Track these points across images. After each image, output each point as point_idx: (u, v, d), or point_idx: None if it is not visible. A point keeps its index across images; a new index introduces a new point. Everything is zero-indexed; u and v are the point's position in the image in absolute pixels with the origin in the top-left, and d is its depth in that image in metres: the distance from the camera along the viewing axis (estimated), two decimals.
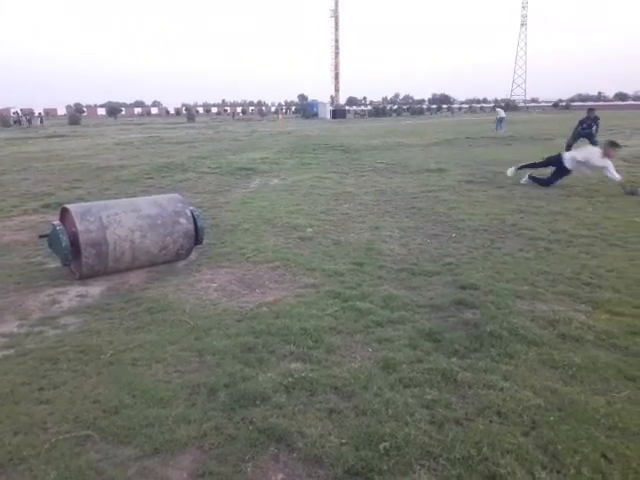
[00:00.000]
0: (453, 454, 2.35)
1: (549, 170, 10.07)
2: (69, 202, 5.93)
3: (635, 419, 2.59)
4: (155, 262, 5.25)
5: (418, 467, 2.29)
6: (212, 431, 2.56)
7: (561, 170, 9.66)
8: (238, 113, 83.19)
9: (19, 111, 52.11)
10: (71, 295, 4.56)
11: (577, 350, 3.34)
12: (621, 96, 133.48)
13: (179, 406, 2.77)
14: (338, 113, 60.54)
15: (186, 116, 59.88)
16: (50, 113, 76.97)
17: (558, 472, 2.25)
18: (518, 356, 3.26)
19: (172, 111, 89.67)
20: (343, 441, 2.46)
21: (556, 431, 2.50)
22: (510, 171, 10.49)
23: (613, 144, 9.29)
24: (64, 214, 5.01)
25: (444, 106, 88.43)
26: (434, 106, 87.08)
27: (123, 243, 4.88)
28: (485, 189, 9.62)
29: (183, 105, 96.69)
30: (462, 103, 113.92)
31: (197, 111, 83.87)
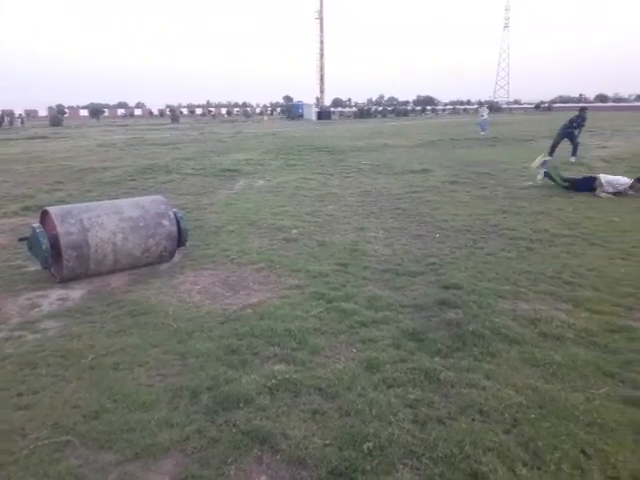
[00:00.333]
0: (436, 453, 2.36)
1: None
2: (50, 204, 5.84)
3: (613, 415, 2.64)
4: (137, 264, 5.20)
5: (401, 466, 2.30)
6: (195, 434, 2.54)
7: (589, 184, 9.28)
8: (222, 114, 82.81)
9: (1, 111, 51.19)
10: (51, 299, 4.49)
11: (558, 348, 3.38)
12: (601, 98, 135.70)
13: (161, 410, 2.75)
14: (323, 114, 60.55)
15: (170, 117, 59.45)
16: (31, 114, 75.69)
17: (539, 469, 2.27)
18: (500, 355, 3.29)
19: (156, 112, 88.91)
20: (327, 442, 2.46)
21: (537, 428, 2.53)
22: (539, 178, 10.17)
23: None
24: (44, 216, 4.94)
25: (428, 108, 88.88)
26: (418, 108, 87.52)
27: (105, 245, 4.83)
28: (468, 190, 9.70)
29: (167, 106, 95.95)
30: (446, 105, 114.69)
31: (181, 112, 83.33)
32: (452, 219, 7.26)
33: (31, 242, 4.87)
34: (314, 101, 76.57)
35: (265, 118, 64.53)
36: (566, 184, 9.57)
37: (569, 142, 13.91)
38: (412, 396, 2.83)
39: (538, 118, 50.01)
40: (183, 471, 2.30)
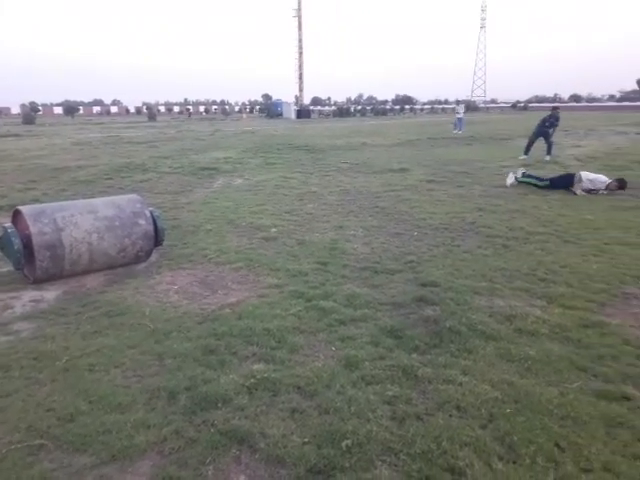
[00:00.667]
0: (413, 449, 2.38)
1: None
2: (24, 204, 5.71)
3: (586, 408, 2.70)
4: (113, 265, 5.12)
5: (379, 463, 2.32)
6: (172, 435, 2.52)
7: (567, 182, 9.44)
8: (200, 112, 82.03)
9: None
10: (24, 300, 4.39)
11: (532, 344, 3.45)
12: (575, 98, 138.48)
13: (138, 411, 2.72)
14: (303, 113, 60.41)
15: (147, 115, 58.59)
16: (3, 112, 73.83)
17: (514, 462, 2.31)
18: (476, 351, 3.34)
19: (132, 110, 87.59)
20: (305, 440, 2.47)
21: (512, 423, 2.57)
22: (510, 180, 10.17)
23: (621, 184, 9.17)
24: (16, 216, 4.83)
25: (407, 107, 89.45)
26: (397, 107, 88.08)
27: (80, 245, 4.74)
28: (446, 188, 9.81)
29: (144, 104, 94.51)
30: (424, 104, 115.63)
31: (158, 110, 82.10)
32: (430, 217, 7.33)
33: (3, 242, 4.75)
34: (293, 100, 76.30)
35: (244, 116, 64.17)
36: (547, 182, 9.70)
37: (544, 141, 14.16)
38: (390, 393, 2.85)
39: (514, 117, 50.79)
40: (160, 472, 2.27)
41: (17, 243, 4.53)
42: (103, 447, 2.43)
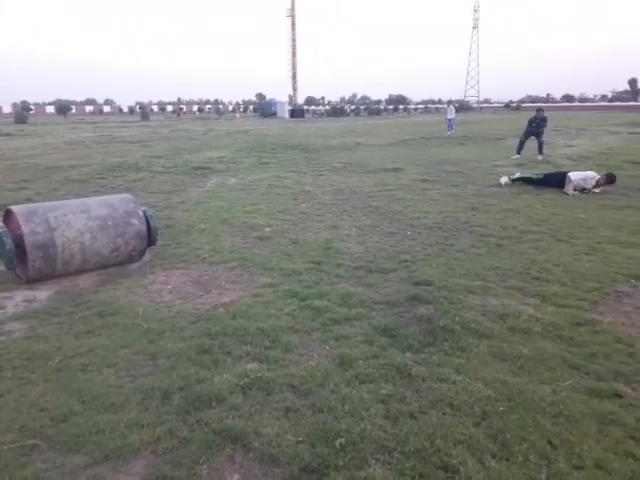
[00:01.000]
0: (407, 447, 2.39)
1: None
2: (16, 203, 5.66)
3: (578, 406, 2.72)
4: (106, 264, 5.09)
5: (373, 461, 2.32)
6: (166, 435, 2.51)
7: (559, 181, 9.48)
8: (194, 111, 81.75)
9: None
10: (17, 300, 4.36)
11: (525, 342, 3.46)
12: (568, 98, 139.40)
13: (131, 411, 2.71)
14: (296, 112, 60.43)
15: (140, 114, 58.37)
16: None
17: (507, 460, 2.33)
18: (470, 349, 3.35)
19: (125, 109, 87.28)
20: (299, 439, 2.47)
21: (505, 420, 2.59)
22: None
23: (610, 178, 9.26)
24: (8, 216, 4.79)
25: (401, 106, 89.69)
26: (391, 106, 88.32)
27: (72, 245, 4.72)
28: (439, 188, 9.83)
29: (137, 103, 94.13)
30: (418, 104, 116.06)
31: (152, 109, 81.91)
32: (423, 217, 7.35)
33: None
34: (287, 99, 76.27)
35: (237, 115, 64.03)
36: (540, 176, 9.82)
37: (536, 140, 14.25)
38: (384, 391, 2.86)
39: (507, 117, 50.99)
40: (154, 472, 2.27)
41: (9, 243, 4.50)
42: (96, 447, 2.42)
